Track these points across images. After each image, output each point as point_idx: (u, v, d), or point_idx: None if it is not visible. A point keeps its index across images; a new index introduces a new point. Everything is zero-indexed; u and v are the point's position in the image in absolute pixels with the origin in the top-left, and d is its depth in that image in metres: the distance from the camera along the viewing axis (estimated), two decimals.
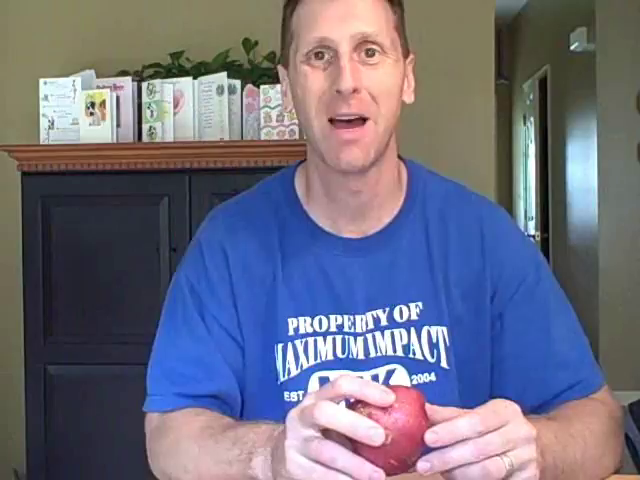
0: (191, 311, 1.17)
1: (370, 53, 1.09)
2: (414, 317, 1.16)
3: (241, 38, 3.05)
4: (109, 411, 2.70)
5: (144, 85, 2.77)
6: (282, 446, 0.85)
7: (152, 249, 2.68)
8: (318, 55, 1.09)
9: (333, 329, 1.16)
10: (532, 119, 7.39)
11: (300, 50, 1.11)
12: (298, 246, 1.19)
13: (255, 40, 3.05)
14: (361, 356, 1.15)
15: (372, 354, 1.15)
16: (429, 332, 1.16)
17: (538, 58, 7.03)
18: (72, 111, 2.73)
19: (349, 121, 1.08)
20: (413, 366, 1.15)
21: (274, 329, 1.16)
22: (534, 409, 1.15)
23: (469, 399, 1.16)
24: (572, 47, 5.63)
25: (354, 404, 0.83)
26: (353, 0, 1.10)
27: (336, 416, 0.81)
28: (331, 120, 1.09)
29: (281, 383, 1.15)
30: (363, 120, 1.09)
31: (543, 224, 6.97)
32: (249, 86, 2.77)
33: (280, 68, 1.20)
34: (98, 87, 2.77)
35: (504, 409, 0.87)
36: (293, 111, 1.17)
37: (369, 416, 0.81)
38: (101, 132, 2.69)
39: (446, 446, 0.83)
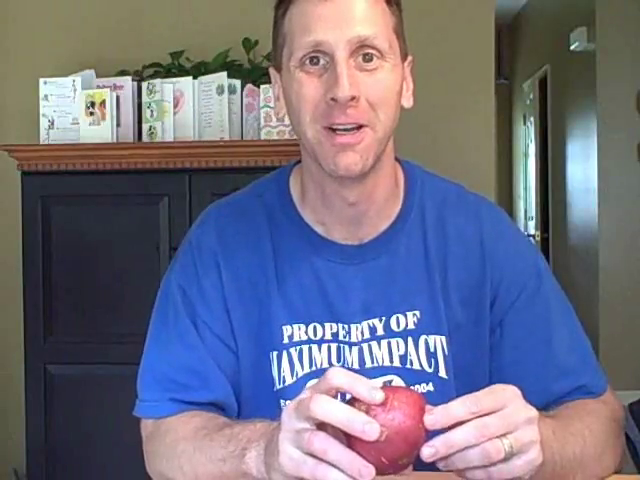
0: (183, 317, 1.15)
1: (368, 58, 1.04)
2: (411, 326, 1.14)
3: (241, 38, 3.05)
4: (109, 411, 2.70)
5: (144, 85, 2.77)
6: (276, 439, 0.85)
7: (152, 249, 2.68)
8: (313, 60, 1.05)
9: (328, 337, 1.13)
10: (532, 119, 7.39)
11: (294, 54, 1.06)
12: (292, 251, 1.16)
13: (255, 40, 3.04)
14: (356, 366, 1.13)
15: (368, 364, 1.13)
16: (427, 341, 1.14)
17: (538, 58, 7.03)
18: (72, 111, 2.73)
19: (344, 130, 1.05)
20: (410, 377, 1.13)
21: (268, 336, 1.14)
22: None
23: None
24: (572, 47, 5.63)
25: (352, 400, 0.83)
26: (350, 1, 1.05)
27: (332, 409, 0.81)
28: (326, 128, 1.05)
29: (277, 391, 1.13)
30: (360, 126, 1.05)
31: (543, 224, 6.97)
32: (249, 86, 2.77)
33: (272, 70, 1.16)
34: (98, 87, 2.77)
35: (502, 391, 0.86)
36: (285, 116, 1.13)
37: (366, 412, 0.81)
38: (101, 132, 2.69)
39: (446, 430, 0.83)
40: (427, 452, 0.82)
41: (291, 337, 1.13)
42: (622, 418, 1.16)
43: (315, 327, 1.13)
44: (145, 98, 2.75)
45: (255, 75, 2.91)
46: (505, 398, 0.85)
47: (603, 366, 1.24)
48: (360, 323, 1.14)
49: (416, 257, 1.16)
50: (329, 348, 1.13)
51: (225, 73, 2.75)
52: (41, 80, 2.76)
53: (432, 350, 1.14)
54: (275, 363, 1.13)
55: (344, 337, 1.14)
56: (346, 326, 1.14)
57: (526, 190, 7.85)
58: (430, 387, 1.13)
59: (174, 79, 2.80)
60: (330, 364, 1.12)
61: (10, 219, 2.97)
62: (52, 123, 2.75)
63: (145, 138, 2.75)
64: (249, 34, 3.05)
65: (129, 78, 2.83)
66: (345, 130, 1.04)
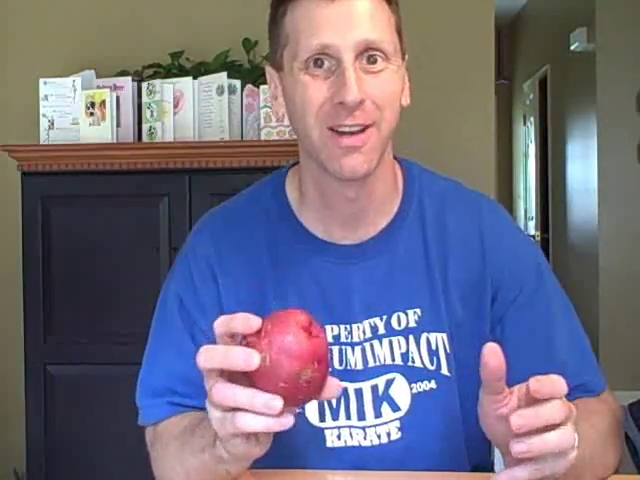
0: (179, 326, 1.15)
1: (372, 60, 1.04)
2: (412, 324, 1.14)
3: (241, 38, 3.05)
4: (109, 411, 2.70)
5: (144, 85, 2.77)
6: None
7: (152, 249, 2.68)
8: (317, 62, 1.04)
9: (330, 340, 1.12)
10: (532, 119, 7.39)
11: (298, 56, 1.05)
12: (290, 256, 1.15)
13: (255, 40, 3.04)
14: (359, 366, 1.12)
15: (371, 364, 1.13)
16: (428, 339, 1.14)
17: (538, 58, 7.03)
18: (72, 111, 2.73)
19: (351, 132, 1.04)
20: (413, 374, 1.13)
21: None
22: None
23: (470, 405, 1.15)
24: (572, 47, 5.63)
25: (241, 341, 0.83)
26: (355, 3, 1.03)
27: (211, 354, 0.82)
28: (331, 129, 1.05)
29: None
30: (365, 126, 1.04)
31: (543, 224, 6.97)
32: (249, 86, 2.77)
33: (269, 70, 1.15)
34: (98, 87, 2.77)
35: (558, 382, 0.87)
36: (284, 116, 1.12)
37: (247, 344, 0.81)
38: (101, 132, 2.69)
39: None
40: (518, 448, 0.82)
41: None
42: (621, 418, 1.16)
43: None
44: (145, 98, 2.75)
45: (255, 75, 2.91)
46: (562, 390, 0.86)
47: (603, 366, 1.24)
48: (361, 322, 1.13)
49: (416, 255, 1.16)
50: (331, 351, 1.13)
51: (225, 73, 2.75)
52: (41, 80, 2.76)
53: (434, 348, 1.14)
54: None
55: (346, 338, 1.13)
56: (348, 326, 1.13)
57: (526, 190, 7.86)
58: (433, 385, 1.13)
59: (174, 79, 2.80)
60: (332, 367, 1.12)
61: (10, 219, 2.97)
62: (52, 123, 2.75)
63: (145, 138, 2.75)
64: (249, 34, 3.06)
65: (129, 78, 2.83)
66: (351, 132, 1.04)
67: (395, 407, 1.12)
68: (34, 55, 3.21)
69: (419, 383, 1.13)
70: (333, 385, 0.84)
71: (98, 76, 2.86)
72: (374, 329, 1.13)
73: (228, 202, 1.24)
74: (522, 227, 7.47)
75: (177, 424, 1.09)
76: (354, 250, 1.15)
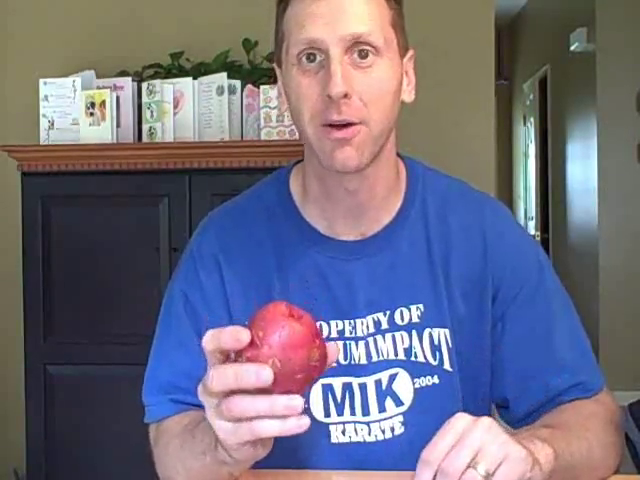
0: (185, 324, 1.15)
1: (363, 54, 1.04)
2: (415, 320, 1.14)
3: (241, 38, 3.05)
4: (109, 411, 2.71)
5: (144, 85, 2.77)
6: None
7: (152, 249, 2.68)
8: (309, 57, 1.05)
9: (334, 335, 1.13)
10: (532, 119, 7.39)
11: (290, 51, 1.06)
12: (294, 252, 1.16)
13: (255, 40, 3.05)
14: (363, 361, 1.13)
15: (374, 358, 1.13)
16: (431, 334, 1.14)
17: (538, 58, 7.03)
18: (72, 111, 2.73)
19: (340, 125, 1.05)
20: (415, 369, 1.14)
21: None
22: (532, 410, 1.16)
23: (471, 400, 1.16)
24: (572, 47, 5.63)
25: (235, 356, 0.83)
26: None
27: (222, 377, 0.81)
28: (324, 125, 1.06)
29: None
30: (355, 123, 1.05)
31: (543, 224, 6.98)
32: (249, 86, 2.77)
33: (276, 68, 1.16)
34: (98, 87, 2.77)
35: (452, 424, 0.87)
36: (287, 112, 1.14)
37: (248, 360, 0.81)
38: (101, 132, 2.69)
39: None
40: None
41: None
42: (620, 419, 1.16)
43: (321, 325, 1.13)
44: (145, 99, 2.75)
45: (255, 76, 2.91)
46: (457, 425, 0.86)
47: (603, 366, 1.25)
48: (365, 317, 1.14)
49: (418, 251, 1.16)
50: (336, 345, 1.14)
51: (225, 74, 2.75)
52: (41, 81, 2.76)
53: (436, 343, 1.14)
54: None
55: (350, 333, 1.14)
56: (352, 321, 1.14)
57: (526, 190, 7.86)
58: (435, 380, 1.14)
59: (174, 80, 2.80)
60: (337, 362, 1.12)
61: (10, 219, 2.97)
62: (52, 124, 2.75)
63: (145, 139, 2.75)
64: (249, 35, 3.06)
65: (129, 79, 2.83)
66: (341, 125, 1.05)
67: (398, 402, 1.13)
68: (34, 55, 3.21)
69: (422, 378, 1.14)
70: (334, 349, 0.85)
71: (98, 76, 2.86)
72: (377, 324, 1.14)
73: (232, 200, 1.24)
74: None
75: (178, 422, 1.09)
76: (357, 246, 1.16)
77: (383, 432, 1.13)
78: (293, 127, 2.66)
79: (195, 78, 2.79)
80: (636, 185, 5.16)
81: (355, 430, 1.13)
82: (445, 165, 1.28)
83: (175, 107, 2.74)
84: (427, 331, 1.14)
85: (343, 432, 1.13)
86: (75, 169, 2.71)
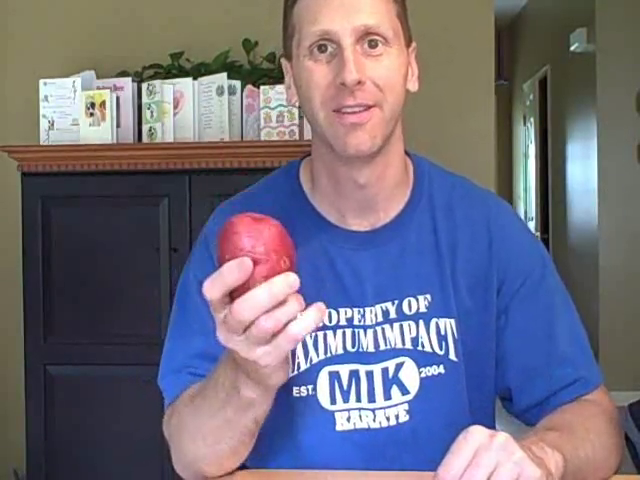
0: (200, 307, 1.15)
1: (373, 44, 1.08)
2: (423, 310, 1.16)
3: (241, 38, 3.06)
4: (109, 411, 2.71)
5: (144, 86, 2.77)
6: (244, 361, 0.89)
7: (152, 250, 2.68)
8: (321, 48, 1.09)
9: (343, 322, 1.16)
10: (532, 120, 7.40)
11: (302, 43, 1.10)
12: (305, 240, 1.17)
13: (255, 40, 3.05)
14: (371, 349, 1.15)
15: (382, 347, 1.15)
16: (437, 324, 1.16)
17: (538, 58, 7.03)
18: (72, 112, 2.73)
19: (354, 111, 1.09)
20: (422, 359, 1.15)
21: None
22: (536, 404, 1.17)
23: (475, 392, 1.18)
24: (572, 48, 5.63)
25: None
26: None
27: (212, 283, 0.86)
28: (336, 110, 1.09)
29: (289, 378, 1.15)
30: (369, 107, 1.09)
31: (543, 224, 6.98)
32: (249, 87, 2.77)
33: (283, 61, 1.20)
34: (98, 88, 2.77)
35: (470, 436, 0.88)
36: (297, 103, 1.17)
37: (266, 278, 0.84)
38: (101, 133, 2.69)
39: None
40: None
41: None
42: (618, 419, 1.18)
43: (330, 313, 1.15)
44: (145, 99, 2.75)
45: (255, 76, 2.92)
46: (472, 444, 0.87)
47: (603, 366, 1.26)
48: (374, 306, 1.16)
49: (426, 242, 1.19)
50: (344, 334, 1.15)
51: (225, 74, 2.75)
52: (41, 81, 2.76)
53: (443, 333, 1.16)
54: None
55: (359, 321, 1.16)
56: (361, 310, 1.16)
57: (526, 190, 7.86)
58: (441, 369, 1.16)
59: (174, 80, 2.80)
60: (345, 350, 1.15)
61: (10, 220, 2.97)
62: (52, 124, 2.75)
63: (145, 139, 2.75)
64: (249, 35, 3.06)
65: (129, 79, 2.83)
66: (354, 112, 1.08)
67: (404, 390, 1.15)
68: (34, 55, 3.22)
69: (428, 367, 1.15)
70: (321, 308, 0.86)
71: (98, 76, 2.86)
72: (385, 313, 1.16)
73: (243, 192, 1.27)
74: None
75: (187, 394, 1.10)
76: (367, 236, 1.18)
77: (388, 419, 1.14)
78: (293, 128, 2.66)
79: (195, 78, 2.79)
80: (636, 185, 5.16)
81: (360, 416, 1.14)
82: (445, 165, 1.29)
83: (175, 107, 2.74)
84: (434, 321, 1.17)
85: (348, 419, 1.14)
86: (75, 169, 2.71)
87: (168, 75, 2.96)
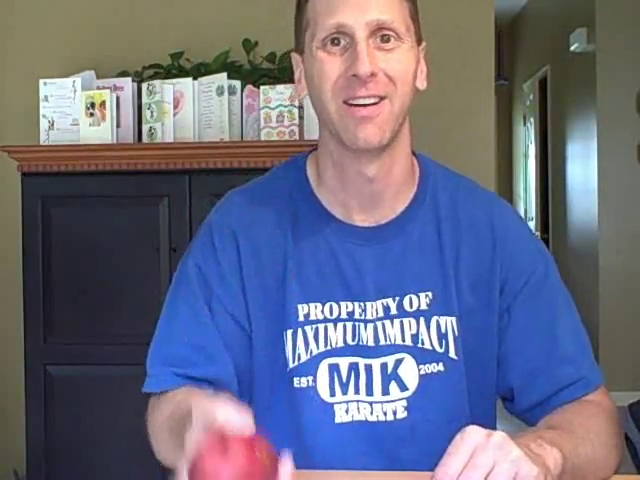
0: (196, 295, 1.17)
1: (386, 39, 1.11)
2: (424, 307, 1.17)
3: (241, 38, 3.06)
4: (109, 411, 2.71)
5: (144, 86, 2.77)
6: None
7: (152, 250, 2.69)
8: (334, 41, 1.11)
9: (344, 316, 1.16)
10: (532, 120, 7.40)
11: (317, 36, 1.12)
12: (309, 232, 1.19)
13: (255, 41, 3.05)
14: (371, 343, 1.15)
15: (382, 342, 1.16)
16: (438, 322, 1.17)
17: (538, 58, 7.03)
18: (72, 112, 2.73)
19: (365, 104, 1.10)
20: (421, 356, 1.16)
21: (283, 315, 1.16)
22: (538, 403, 1.17)
23: (476, 392, 1.19)
24: (572, 48, 5.64)
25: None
26: None
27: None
28: (346, 102, 1.11)
29: (290, 370, 1.16)
30: (380, 98, 1.10)
31: (543, 224, 6.98)
32: (249, 87, 2.77)
33: (294, 55, 1.21)
34: (98, 88, 2.77)
35: (467, 436, 0.88)
36: (306, 97, 1.18)
37: None
38: (101, 133, 2.69)
39: None
40: None
41: (307, 316, 1.16)
42: (618, 419, 1.18)
43: (331, 306, 1.16)
44: (145, 99, 2.75)
45: (255, 76, 2.92)
46: (469, 443, 0.87)
47: (603, 366, 1.27)
48: (375, 302, 1.17)
49: (429, 240, 1.20)
50: (344, 327, 1.16)
51: (225, 74, 2.75)
52: (41, 81, 2.76)
53: (443, 331, 1.17)
54: (290, 341, 1.16)
55: (360, 315, 1.17)
56: (362, 304, 1.17)
57: (526, 191, 7.86)
58: (440, 367, 1.16)
59: (174, 80, 2.80)
60: (345, 343, 1.16)
61: (10, 220, 2.97)
62: (52, 124, 2.75)
63: (145, 139, 2.75)
64: (249, 35, 3.06)
65: (129, 79, 2.83)
66: (364, 105, 1.10)
67: (403, 387, 1.15)
68: (34, 55, 3.22)
69: (427, 365, 1.16)
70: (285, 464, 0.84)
71: (98, 77, 2.87)
72: (386, 309, 1.17)
73: (250, 182, 1.27)
74: None
75: (171, 399, 1.11)
76: (370, 232, 1.19)
77: (385, 414, 1.15)
78: (293, 128, 2.66)
79: (195, 78, 2.79)
80: (636, 185, 5.17)
81: (358, 409, 1.15)
82: (445, 164, 1.30)
83: (175, 107, 2.74)
84: (434, 319, 1.17)
85: (346, 411, 1.15)
86: (75, 169, 2.71)
87: (168, 75, 2.96)
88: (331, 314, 1.16)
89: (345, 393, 1.15)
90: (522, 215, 7.83)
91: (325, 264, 1.17)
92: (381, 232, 1.19)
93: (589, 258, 5.42)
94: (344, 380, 1.15)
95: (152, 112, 2.73)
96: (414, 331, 1.16)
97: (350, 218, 1.19)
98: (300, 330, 1.16)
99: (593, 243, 5.35)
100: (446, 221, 1.20)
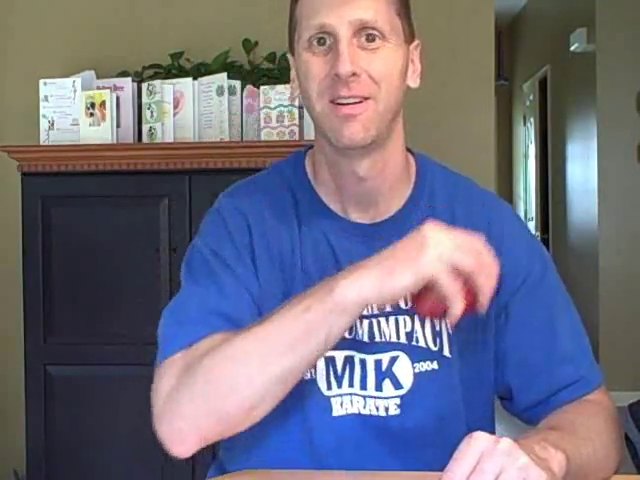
0: (218, 270, 1.14)
1: (370, 38, 1.10)
2: None
3: (241, 38, 3.06)
4: (109, 411, 2.71)
5: (144, 86, 2.77)
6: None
7: (152, 249, 2.69)
8: (320, 41, 1.11)
9: None
10: (532, 120, 7.40)
11: (302, 37, 1.13)
12: (311, 225, 1.19)
13: (255, 41, 3.05)
14: (366, 338, 1.15)
15: (377, 338, 1.16)
16: (433, 320, 1.17)
17: (538, 58, 7.03)
18: (72, 112, 2.73)
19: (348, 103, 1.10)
20: (416, 354, 1.16)
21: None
22: (537, 403, 1.17)
23: (473, 391, 1.18)
24: (572, 48, 5.64)
25: None
26: None
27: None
28: (332, 101, 1.11)
29: None
30: (363, 99, 1.10)
31: (543, 224, 6.98)
32: (249, 87, 2.77)
33: (289, 56, 1.22)
34: (98, 88, 2.77)
35: (474, 441, 0.88)
36: (300, 97, 1.19)
37: None
38: (101, 133, 2.69)
39: None
40: None
41: None
42: (618, 418, 1.18)
43: None
44: (145, 99, 2.75)
45: (255, 76, 2.92)
46: (476, 449, 0.87)
47: (603, 366, 1.26)
48: None
49: None
50: None
51: (225, 74, 2.75)
52: (41, 81, 2.76)
53: (437, 329, 1.17)
54: None
55: None
56: None
57: (526, 191, 7.86)
58: (435, 365, 1.16)
59: (174, 80, 2.80)
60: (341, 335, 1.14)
61: (10, 220, 2.97)
62: (52, 124, 2.75)
63: (145, 139, 2.75)
64: (249, 35, 3.06)
65: (129, 79, 2.83)
66: (348, 103, 1.10)
67: (397, 385, 1.15)
68: (34, 55, 3.21)
69: (422, 363, 1.16)
70: None
71: (98, 77, 2.86)
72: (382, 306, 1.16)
73: (254, 175, 1.27)
74: None
75: (220, 335, 1.06)
76: (367, 229, 1.19)
77: (377, 409, 1.15)
78: (293, 127, 2.66)
79: (195, 78, 2.79)
80: (636, 185, 5.16)
81: (351, 402, 1.15)
82: (445, 165, 1.30)
83: (175, 107, 2.74)
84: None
85: (341, 404, 1.15)
86: (75, 169, 2.71)
87: (168, 75, 2.96)
88: None
89: (340, 386, 1.15)
90: (522, 215, 7.84)
91: (324, 256, 1.18)
92: (377, 230, 1.19)
93: (589, 258, 5.42)
94: (339, 373, 1.15)
95: (152, 112, 2.73)
96: (409, 329, 1.16)
97: (347, 214, 1.20)
98: None
99: (593, 243, 5.34)
100: (443, 218, 1.18)
